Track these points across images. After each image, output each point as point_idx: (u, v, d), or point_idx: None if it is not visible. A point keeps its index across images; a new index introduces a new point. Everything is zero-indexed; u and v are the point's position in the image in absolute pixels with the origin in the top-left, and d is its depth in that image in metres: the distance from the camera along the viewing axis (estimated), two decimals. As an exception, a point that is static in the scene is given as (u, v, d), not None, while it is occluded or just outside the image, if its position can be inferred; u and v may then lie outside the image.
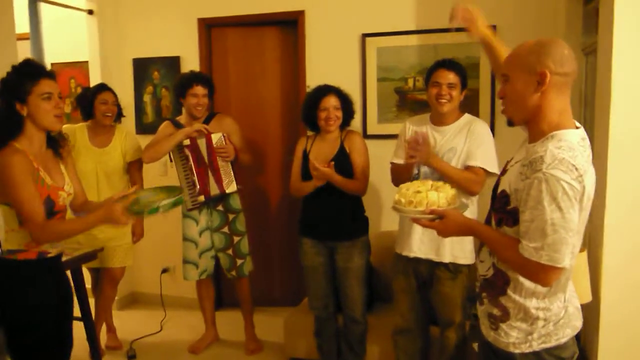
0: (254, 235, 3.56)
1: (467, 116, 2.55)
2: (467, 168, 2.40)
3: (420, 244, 2.51)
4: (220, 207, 3.28)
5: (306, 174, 2.80)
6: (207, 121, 3.26)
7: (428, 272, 2.54)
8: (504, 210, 1.52)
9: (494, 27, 3.21)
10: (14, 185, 1.87)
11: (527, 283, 1.51)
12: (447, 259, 2.47)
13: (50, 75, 1.99)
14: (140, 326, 3.78)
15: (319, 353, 3.04)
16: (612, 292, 2.29)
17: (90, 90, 3.31)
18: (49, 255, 2.02)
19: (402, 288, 2.63)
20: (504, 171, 1.63)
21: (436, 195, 1.66)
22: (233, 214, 3.29)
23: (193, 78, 3.20)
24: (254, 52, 3.96)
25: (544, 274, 1.42)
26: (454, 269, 2.48)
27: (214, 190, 3.15)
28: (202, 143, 3.13)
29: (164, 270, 4.10)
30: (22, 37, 3.86)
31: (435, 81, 2.47)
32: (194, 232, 3.28)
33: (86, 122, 3.32)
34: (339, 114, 2.80)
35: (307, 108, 2.83)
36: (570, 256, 1.41)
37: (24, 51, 4.14)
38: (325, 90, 2.81)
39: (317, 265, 2.86)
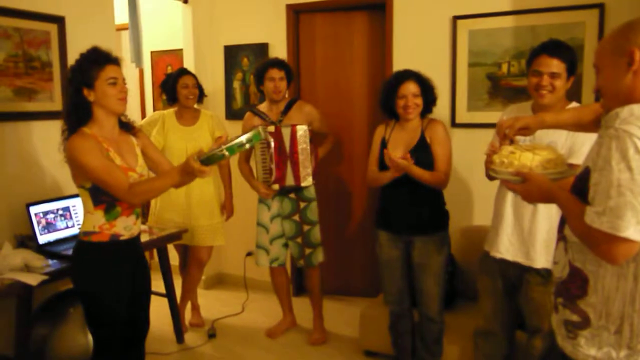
0: (334, 223, 3.52)
1: (574, 105, 2.25)
2: (570, 166, 2.15)
3: (509, 245, 2.31)
4: (292, 195, 3.27)
5: (384, 164, 2.69)
6: (287, 108, 3.27)
7: (517, 275, 2.33)
8: (584, 189, 1.34)
9: (601, 5, 2.94)
10: (87, 164, 1.95)
11: (608, 280, 1.32)
12: (538, 264, 2.25)
13: (115, 61, 2.07)
14: (223, 306, 3.91)
15: (393, 348, 2.95)
16: None
17: (172, 75, 3.46)
18: (122, 237, 2.10)
19: (486, 289, 2.46)
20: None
21: (530, 158, 1.53)
22: (305, 202, 3.27)
23: (268, 63, 3.26)
24: (342, 37, 3.89)
25: (606, 244, 1.23)
26: (546, 274, 2.24)
27: (290, 181, 3.17)
28: (286, 132, 3.14)
29: (249, 254, 4.20)
30: (121, 28, 4.11)
31: (536, 69, 2.18)
32: (265, 218, 3.31)
33: (173, 106, 3.47)
34: (419, 101, 2.64)
35: (385, 95, 2.69)
36: (637, 227, 1.19)
37: (124, 41, 4.41)
38: (403, 75, 2.65)
39: (392, 259, 2.75)
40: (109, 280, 2.07)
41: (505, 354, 2.52)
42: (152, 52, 4.45)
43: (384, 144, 2.74)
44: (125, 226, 2.11)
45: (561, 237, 1.48)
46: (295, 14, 3.93)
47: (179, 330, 3.33)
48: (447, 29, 3.40)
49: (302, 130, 3.15)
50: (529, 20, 3.14)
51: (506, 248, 2.32)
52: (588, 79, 3.03)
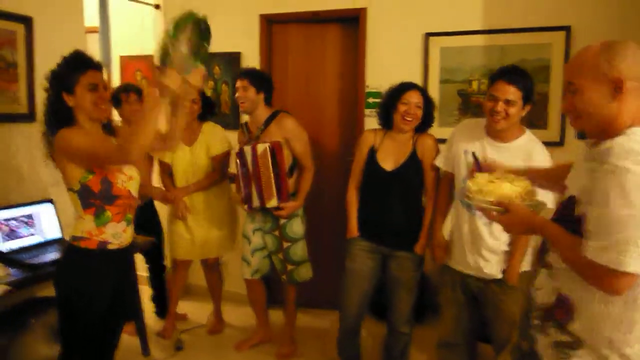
0: (308, 238, 3.49)
1: (527, 136, 2.32)
2: None
3: (467, 258, 2.38)
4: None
5: (372, 174, 2.69)
6: (268, 121, 3.13)
7: (478, 287, 2.40)
8: (570, 218, 1.38)
9: (568, 28, 3.07)
10: (78, 145, 1.89)
11: (596, 306, 1.35)
12: (497, 275, 2.34)
13: (97, 66, 2.02)
14: (191, 317, 3.84)
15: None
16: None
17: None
18: (110, 246, 2.04)
19: (447, 300, 2.52)
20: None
21: (509, 188, 1.56)
22: (285, 219, 3.15)
23: (238, 73, 3.23)
24: (315, 49, 3.90)
25: (609, 278, 1.26)
26: (506, 283, 2.34)
27: (256, 201, 3.07)
28: (247, 152, 3.03)
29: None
30: (91, 31, 4.00)
31: (493, 94, 2.23)
32: (249, 230, 3.26)
33: None
34: (419, 113, 2.65)
35: (389, 99, 2.68)
36: (639, 260, 1.23)
37: (93, 44, 4.30)
38: (411, 85, 2.68)
39: (366, 269, 2.74)
40: (90, 288, 2.01)
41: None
42: (121, 57, 4.36)
43: (373, 152, 2.72)
44: (115, 233, 2.04)
45: (543, 264, 1.50)
46: (268, 24, 3.93)
47: (144, 341, 3.24)
48: (419, 45, 3.47)
49: (262, 148, 2.98)
50: (499, 40, 3.24)
51: (465, 261, 2.39)
52: (554, 99, 3.14)
